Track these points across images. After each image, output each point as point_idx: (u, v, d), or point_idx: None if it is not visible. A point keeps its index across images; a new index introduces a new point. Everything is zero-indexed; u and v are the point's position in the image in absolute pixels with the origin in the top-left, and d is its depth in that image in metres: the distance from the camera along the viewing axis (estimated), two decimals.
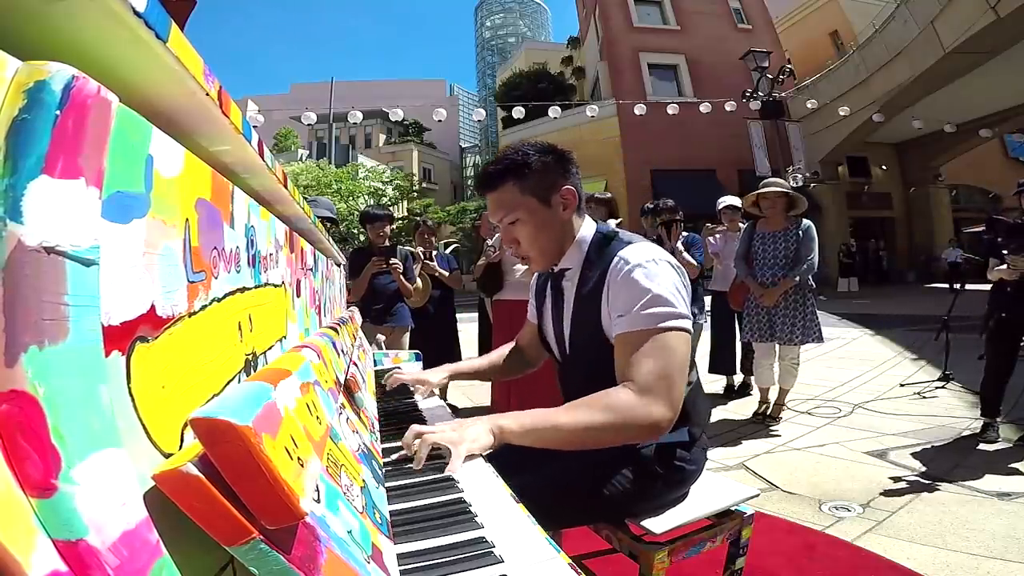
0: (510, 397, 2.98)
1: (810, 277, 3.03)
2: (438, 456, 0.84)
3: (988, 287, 2.73)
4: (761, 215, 3.17)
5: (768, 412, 3.15)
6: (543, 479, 1.01)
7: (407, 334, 3.26)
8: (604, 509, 1.07)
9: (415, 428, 0.87)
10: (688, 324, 0.96)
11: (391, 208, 17.43)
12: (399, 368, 1.55)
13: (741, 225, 3.69)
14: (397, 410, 1.31)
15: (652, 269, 0.98)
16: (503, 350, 1.44)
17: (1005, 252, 2.55)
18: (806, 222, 3.06)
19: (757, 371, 3.27)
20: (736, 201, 3.82)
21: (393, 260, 3.04)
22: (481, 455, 0.90)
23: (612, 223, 2.90)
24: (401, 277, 3.07)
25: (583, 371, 1.12)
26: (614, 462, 1.04)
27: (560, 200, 1.07)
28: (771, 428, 3.00)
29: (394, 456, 0.89)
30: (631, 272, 0.98)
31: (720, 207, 3.85)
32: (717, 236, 3.83)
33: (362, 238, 3.27)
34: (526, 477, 0.92)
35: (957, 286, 3.89)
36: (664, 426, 0.90)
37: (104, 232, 0.31)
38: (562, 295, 1.15)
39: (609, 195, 3.15)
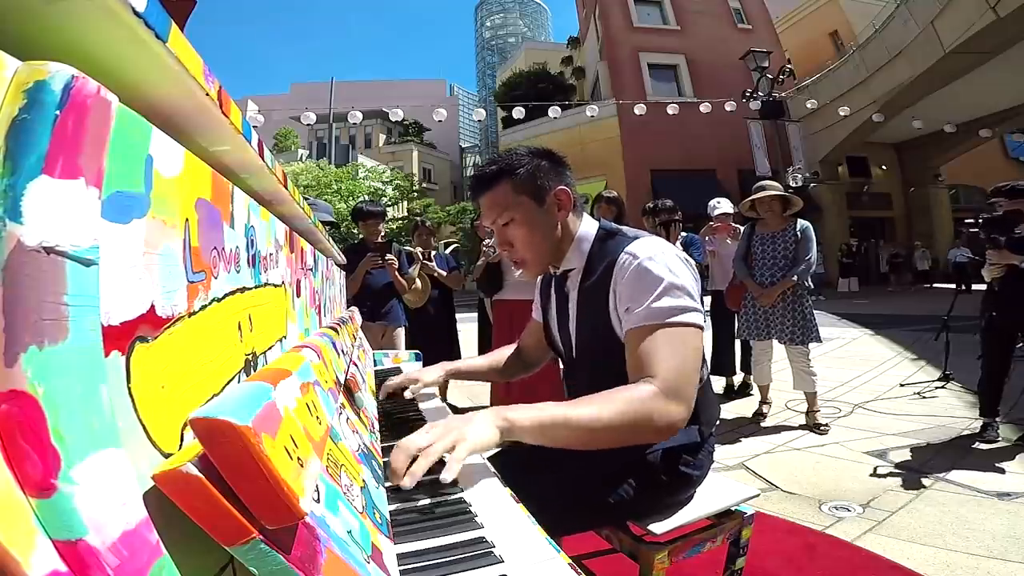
0: (510, 397, 2.98)
1: (808, 278, 3.04)
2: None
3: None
4: (760, 217, 3.19)
5: (811, 423, 2.98)
6: (548, 488, 0.97)
7: (401, 331, 3.25)
8: (610, 516, 1.06)
9: (407, 445, 0.71)
10: (701, 319, 0.94)
11: (390, 207, 17.42)
12: (399, 368, 1.51)
13: (735, 226, 3.71)
14: (396, 411, 1.31)
15: (662, 261, 0.95)
16: (503, 351, 1.41)
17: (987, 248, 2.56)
18: (803, 222, 3.06)
19: (755, 369, 3.28)
20: (727, 208, 3.83)
21: (389, 256, 3.02)
22: (481, 455, 0.88)
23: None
24: (396, 273, 3.06)
25: (589, 371, 1.11)
26: (621, 470, 1.03)
27: (555, 201, 1.05)
28: (822, 430, 2.88)
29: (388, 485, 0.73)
30: (640, 265, 0.95)
31: (713, 214, 3.85)
32: (716, 236, 3.85)
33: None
34: (530, 485, 0.86)
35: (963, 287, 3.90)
36: (679, 426, 0.87)
37: (104, 232, 0.31)
38: (567, 297, 1.13)
39: (615, 194, 3.14)
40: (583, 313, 1.08)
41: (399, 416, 1.25)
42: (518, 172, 1.03)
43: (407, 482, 0.67)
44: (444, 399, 2.42)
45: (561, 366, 1.25)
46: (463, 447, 0.72)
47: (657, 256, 0.96)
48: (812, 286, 3.13)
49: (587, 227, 1.10)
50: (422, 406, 1.32)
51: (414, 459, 0.70)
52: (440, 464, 0.71)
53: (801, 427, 3.01)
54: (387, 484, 0.76)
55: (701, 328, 0.94)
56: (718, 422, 1.18)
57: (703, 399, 1.11)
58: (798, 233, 3.02)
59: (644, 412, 0.83)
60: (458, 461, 0.70)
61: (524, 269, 1.12)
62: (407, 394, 1.28)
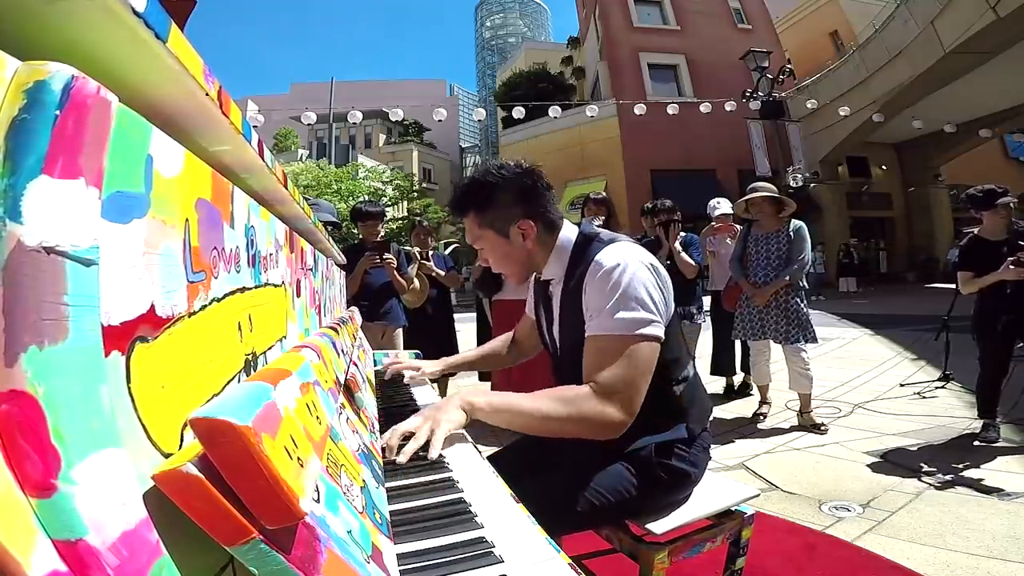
0: (510, 389, 2.97)
1: (803, 278, 3.04)
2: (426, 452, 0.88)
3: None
4: (755, 218, 3.20)
5: (807, 424, 2.98)
6: (548, 488, 1.02)
7: (401, 331, 3.25)
8: (610, 516, 1.07)
9: (398, 428, 0.90)
10: (658, 330, 0.98)
11: (390, 208, 17.37)
12: (398, 360, 1.58)
13: (736, 227, 3.72)
14: (396, 410, 1.31)
15: (625, 271, 0.99)
16: (494, 343, 1.51)
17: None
18: (797, 222, 3.08)
19: (753, 369, 3.28)
20: (727, 208, 3.84)
21: (387, 255, 3.01)
22: (478, 452, 0.92)
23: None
24: (395, 273, 3.06)
25: (574, 369, 1.13)
26: (615, 468, 1.04)
27: (518, 232, 1.09)
28: (821, 430, 2.88)
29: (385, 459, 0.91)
30: (604, 274, 1.00)
31: (714, 215, 3.86)
32: (717, 236, 3.84)
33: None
34: (530, 485, 0.92)
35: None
36: (618, 428, 0.94)
37: (104, 232, 0.31)
38: (551, 302, 1.19)
39: (603, 194, 3.12)
40: (565, 317, 1.14)
41: (399, 415, 1.25)
42: (483, 206, 1.08)
43: (401, 459, 0.84)
44: (443, 397, 2.41)
45: (551, 361, 1.29)
46: (440, 431, 0.90)
47: (620, 266, 0.99)
48: (807, 286, 3.13)
49: (566, 235, 1.13)
50: (420, 404, 1.33)
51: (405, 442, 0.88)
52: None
53: (800, 427, 3.01)
54: (387, 485, 0.76)
55: (656, 339, 0.98)
56: (712, 418, 1.19)
57: (690, 397, 1.12)
58: (792, 234, 3.03)
59: (578, 409, 0.93)
60: (439, 441, 0.88)
61: (507, 279, 1.20)
62: (407, 378, 1.49)
